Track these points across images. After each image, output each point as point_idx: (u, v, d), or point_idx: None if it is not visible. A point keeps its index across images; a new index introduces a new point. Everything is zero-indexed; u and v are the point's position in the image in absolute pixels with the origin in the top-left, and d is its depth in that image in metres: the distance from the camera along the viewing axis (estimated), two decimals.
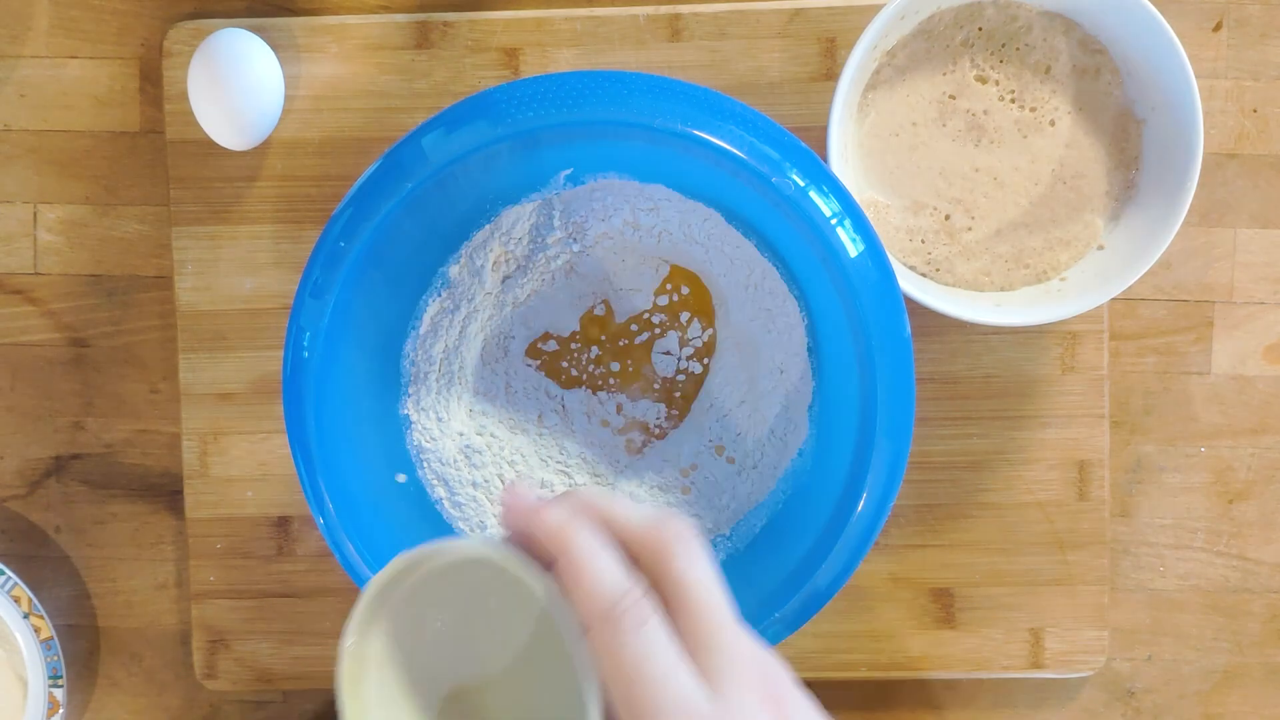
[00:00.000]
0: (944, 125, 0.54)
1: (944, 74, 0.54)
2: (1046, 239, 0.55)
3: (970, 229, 0.55)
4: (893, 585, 0.59)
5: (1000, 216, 0.55)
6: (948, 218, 0.55)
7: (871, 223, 0.49)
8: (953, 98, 0.54)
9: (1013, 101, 0.54)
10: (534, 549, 0.37)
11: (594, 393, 0.58)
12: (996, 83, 0.54)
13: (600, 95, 0.47)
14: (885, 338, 0.47)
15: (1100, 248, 0.55)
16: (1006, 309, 0.53)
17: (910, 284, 0.52)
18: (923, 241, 0.55)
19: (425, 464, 0.55)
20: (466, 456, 0.56)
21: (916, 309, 0.52)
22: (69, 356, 0.60)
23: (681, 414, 0.58)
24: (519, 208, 0.53)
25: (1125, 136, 0.54)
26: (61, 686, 0.58)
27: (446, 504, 0.55)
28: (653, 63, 0.57)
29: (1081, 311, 0.52)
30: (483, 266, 0.54)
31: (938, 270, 0.55)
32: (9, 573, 0.58)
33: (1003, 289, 0.55)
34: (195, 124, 0.57)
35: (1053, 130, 0.54)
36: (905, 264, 0.55)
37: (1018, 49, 0.54)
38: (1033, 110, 0.54)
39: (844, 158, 0.54)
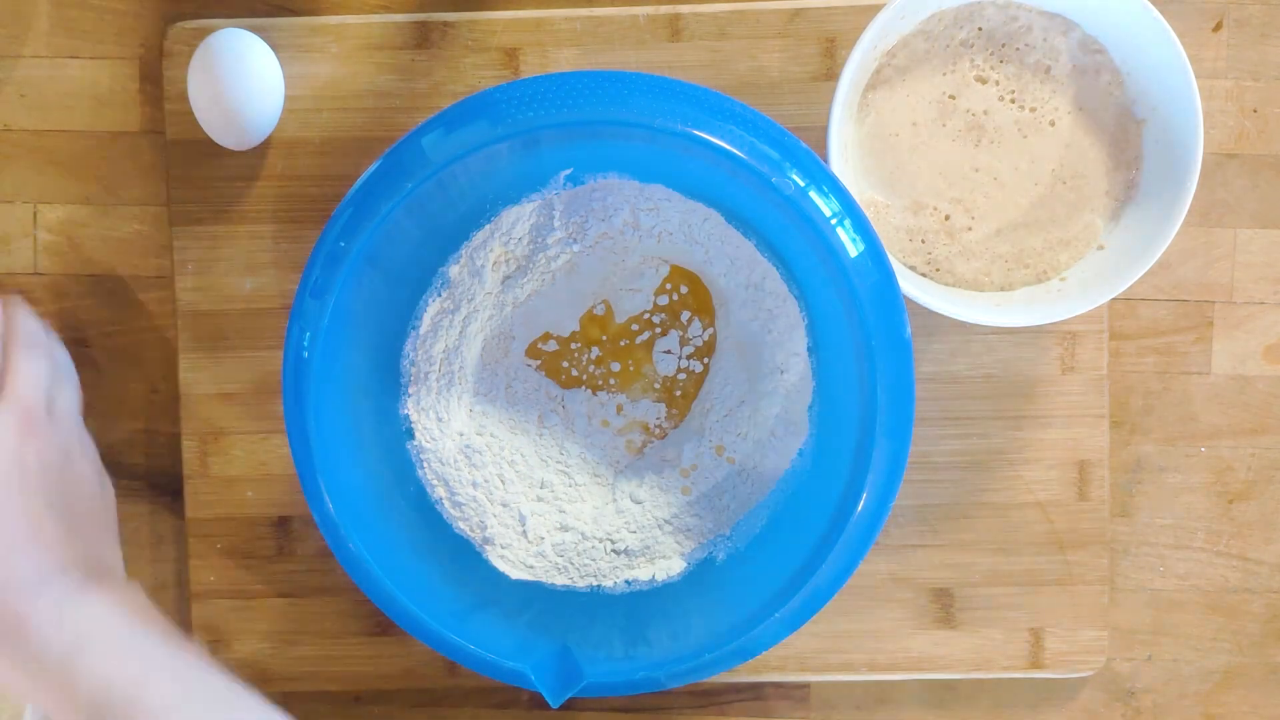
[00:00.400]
0: (944, 125, 0.54)
1: (944, 74, 0.54)
2: (1046, 239, 0.55)
3: (970, 229, 0.55)
4: (893, 585, 0.59)
5: (1000, 216, 0.55)
6: (948, 218, 0.55)
7: (871, 223, 0.49)
8: (953, 98, 0.54)
9: (1013, 101, 0.54)
10: None
11: (594, 393, 0.58)
12: (996, 83, 0.54)
13: (600, 95, 0.47)
14: (885, 338, 0.47)
15: (1100, 248, 0.55)
16: (1006, 309, 0.53)
17: (910, 284, 0.52)
18: (923, 241, 0.55)
19: (425, 464, 0.55)
20: (466, 456, 0.56)
21: (916, 309, 0.52)
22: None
23: (681, 414, 0.58)
24: (519, 208, 0.53)
25: (1125, 136, 0.54)
26: None
27: (446, 504, 0.55)
28: (653, 63, 0.57)
29: (1081, 311, 0.52)
30: (483, 266, 0.54)
31: (938, 270, 0.55)
32: None
33: (1003, 289, 0.55)
34: (195, 124, 0.56)
35: (1053, 130, 0.54)
36: (905, 264, 0.55)
37: (1018, 49, 0.54)
38: (1033, 110, 0.54)
39: (844, 158, 0.54)
